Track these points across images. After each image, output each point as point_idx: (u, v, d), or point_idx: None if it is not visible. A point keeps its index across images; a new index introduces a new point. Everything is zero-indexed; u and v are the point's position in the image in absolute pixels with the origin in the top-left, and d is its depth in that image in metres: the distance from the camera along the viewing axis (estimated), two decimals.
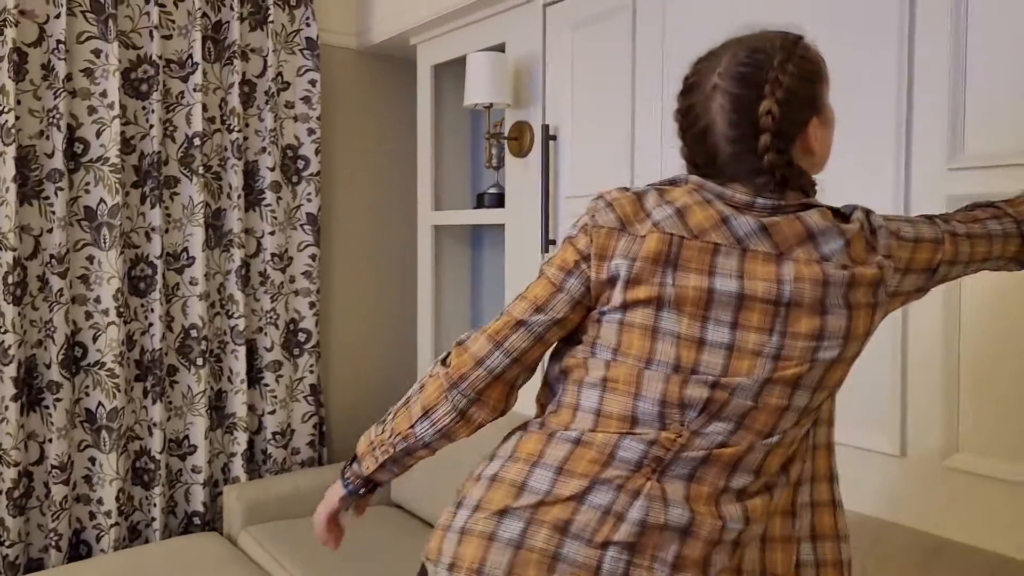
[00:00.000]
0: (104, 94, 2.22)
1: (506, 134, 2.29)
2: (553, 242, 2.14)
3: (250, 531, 2.20)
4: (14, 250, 2.08)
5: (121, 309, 2.24)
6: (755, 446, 0.87)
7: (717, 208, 0.89)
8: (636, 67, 1.88)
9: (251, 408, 2.57)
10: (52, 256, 2.17)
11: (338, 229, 2.84)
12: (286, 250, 2.60)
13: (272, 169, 2.53)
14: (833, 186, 1.48)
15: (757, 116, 0.88)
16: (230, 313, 2.50)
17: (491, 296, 2.77)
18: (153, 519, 2.35)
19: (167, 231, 2.39)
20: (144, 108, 2.32)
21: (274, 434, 2.58)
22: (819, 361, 0.86)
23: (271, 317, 2.56)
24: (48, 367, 2.18)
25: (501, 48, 2.37)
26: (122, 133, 2.25)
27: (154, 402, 2.34)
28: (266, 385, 2.58)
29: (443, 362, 0.98)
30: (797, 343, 0.86)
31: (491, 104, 2.16)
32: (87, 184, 2.24)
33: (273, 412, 2.57)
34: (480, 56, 2.14)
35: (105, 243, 2.23)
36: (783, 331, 0.86)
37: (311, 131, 2.63)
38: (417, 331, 2.75)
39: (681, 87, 0.96)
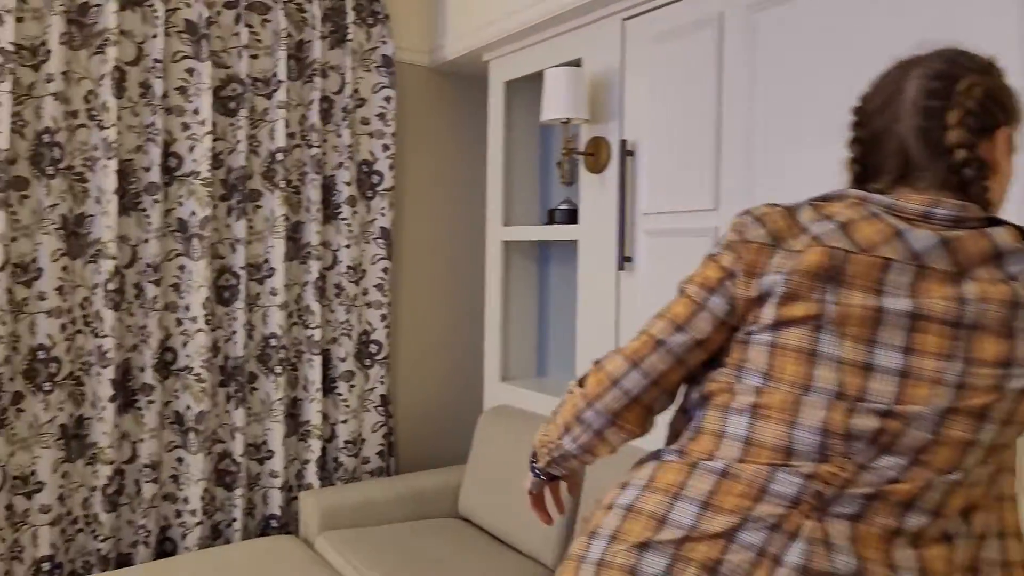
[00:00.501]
0: (197, 111, 2.33)
1: (582, 149, 2.32)
2: (628, 259, 2.16)
3: (327, 536, 2.26)
4: (115, 259, 2.19)
5: (208, 317, 2.33)
6: (933, 483, 0.78)
7: (888, 221, 0.81)
8: (723, 81, 1.90)
9: (325, 416, 2.64)
10: (148, 265, 2.28)
11: (407, 243, 2.91)
12: (360, 263, 2.68)
13: (349, 184, 2.61)
14: None
15: (951, 107, 0.82)
16: (307, 323, 2.58)
17: (558, 312, 2.80)
18: (234, 519, 2.44)
19: (250, 243, 2.48)
20: (232, 124, 2.43)
21: (346, 443, 2.64)
22: (1009, 391, 0.78)
23: (345, 328, 2.64)
24: (142, 370, 2.29)
25: (577, 63, 2.42)
26: (212, 148, 2.35)
27: (236, 407, 2.43)
28: (339, 394, 2.65)
29: (580, 382, 0.97)
30: (983, 370, 0.78)
31: (568, 119, 2.20)
32: (180, 197, 2.34)
33: (345, 421, 2.64)
34: (558, 71, 2.18)
35: (195, 253, 2.33)
36: (966, 357, 0.78)
37: (386, 147, 2.71)
38: (484, 345, 2.79)
39: (868, 88, 0.92)
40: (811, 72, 1.69)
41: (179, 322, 2.36)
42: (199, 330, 2.33)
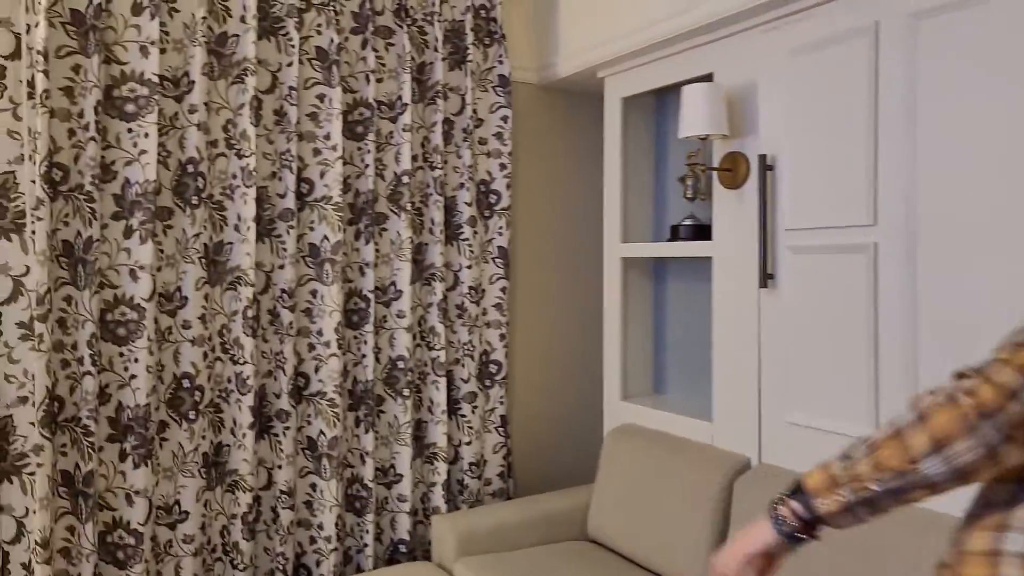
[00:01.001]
0: (328, 136, 2.34)
1: (716, 165, 2.27)
2: (771, 276, 2.10)
3: (465, 562, 2.23)
4: (253, 285, 2.20)
5: (340, 341, 2.33)
6: None
7: None
8: (880, 92, 1.83)
9: (448, 438, 2.62)
10: (283, 291, 2.28)
11: (523, 262, 2.88)
12: (480, 283, 2.65)
13: (469, 204, 2.60)
14: None
15: None
16: (431, 345, 2.56)
17: (676, 329, 2.73)
18: (365, 545, 2.42)
19: (376, 266, 2.48)
20: (359, 148, 2.43)
21: (470, 464, 2.61)
22: None
23: (467, 349, 2.62)
24: (278, 396, 2.29)
25: (708, 78, 2.37)
26: (342, 173, 2.36)
27: (366, 431, 2.42)
28: (463, 416, 2.62)
29: (951, 397, 0.85)
30: None
31: (707, 135, 2.15)
32: (312, 222, 2.35)
33: (469, 443, 2.61)
34: (696, 88, 2.13)
35: (328, 278, 2.33)
36: None
37: (503, 166, 2.69)
38: (603, 363, 2.74)
39: None
40: (980, 85, 1.61)
41: (311, 347, 2.36)
42: (332, 355, 2.33)
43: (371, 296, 2.41)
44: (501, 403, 2.70)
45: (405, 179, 2.46)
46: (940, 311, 1.71)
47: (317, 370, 2.36)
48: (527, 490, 2.89)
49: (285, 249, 2.28)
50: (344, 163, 2.40)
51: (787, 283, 2.06)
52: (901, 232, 1.79)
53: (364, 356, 2.43)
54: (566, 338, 2.98)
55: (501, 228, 2.69)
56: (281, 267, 2.29)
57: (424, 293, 2.57)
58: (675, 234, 2.53)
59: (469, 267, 2.61)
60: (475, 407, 2.62)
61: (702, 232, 2.48)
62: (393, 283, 2.50)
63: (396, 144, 2.48)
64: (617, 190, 2.69)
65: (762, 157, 2.08)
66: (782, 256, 2.08)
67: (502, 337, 2.70)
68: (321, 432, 2.35)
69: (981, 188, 1.64)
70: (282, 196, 2.29)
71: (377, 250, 2.48)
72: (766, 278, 2.09)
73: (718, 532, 2.06)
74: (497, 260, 2.69)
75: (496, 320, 2.70)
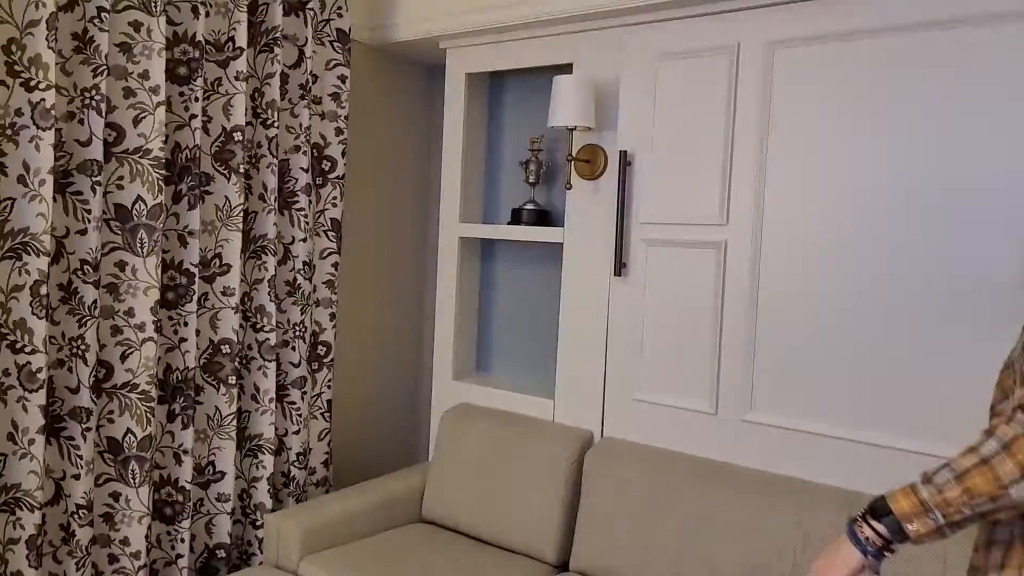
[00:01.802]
0: (145, 75, 1.92)
1: (574, 155, 2.31)
2: (624, 264, 2.21)
3: (312, 560, 2.05)
4: (48, 255, 1.75)
5: (156, 323, 1.96)
6: None
7: None
8: (737, 107, 2.01)
9: (275, 428, 2.36)
10: (83, 261, 1.85)
11: (352, 236, 2.69)
12: (312, 258, 2.41)
13: (306, 170, 2.34)
14: None
15: None
16: (258, 326, 2.28)
17: (503, 309, 2.76)
18: (179, 556, 2.10)
19: (200, 235, 2.12)
20: (183, 95, 2.04)
21: (297, 455, 2.39)
22: None
23: (299, 330, 2.37)
24: (74, 391, 1.86)
25: (568, 68, 2.39)
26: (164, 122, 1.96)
27: (184, 427, 2.08)
28: (291, 403, 2.38)
29: None
30: None
31: (576, 127, 2.18)
32: (120, 179, 1.93)
33: (297, 431, 2.39)
34: (569, 79, 2.15)
35: (142, 248, 1.94)
36: None
37: (339, 131, 2.46)
38: (435, 342, 2.68)
39: None
40: (821, 111, 1.86)
41: (117, 330, 1.96)
42: (147, 339, 1.95)
43: (194, 270, 2.07)
44: (328, 387, 2.50)
45: (237, 136, 2.13)
46: (776, 303, 1.96)
47: (124, 358, 1.96)
48: (350, 479, 2.74)
49: (89, 211, 1.85)
50: (166, 109, 2.00)
51: (640, 272, 2.19)
52: (748, 232, 2.00)
53: (184, 340, 2.08)
54: (391, 317, 2.85)
55: (335, 198, 2.47)
56: (81, 232, 1.85)
57: (253, 268, 2.27)
58: (517, 217, 2.54)
59: (304, 240, 2.36)
60: (304, 392, 2.40)
61: (543, 217, 2.53)
62: (219, 255, 2.16)
63: (226, 94, 2.13)
64: (458, 169, 2.61)
65: (623, 153, 2.17)
66: (636, 247, 2.20)
67: (332, 317, 2.49)
68: (129, 431, 1.97)
69: (817, 200, 1.90)
70: (84, 144, 1.84)
71: (201, 217, 2.12)
72: (621, 266, 2.20)
73: (569, 504, 2.15)
74: (330, 233, 2.47)
75: (327, 298, 2.48)
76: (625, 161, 2.18)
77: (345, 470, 2.76)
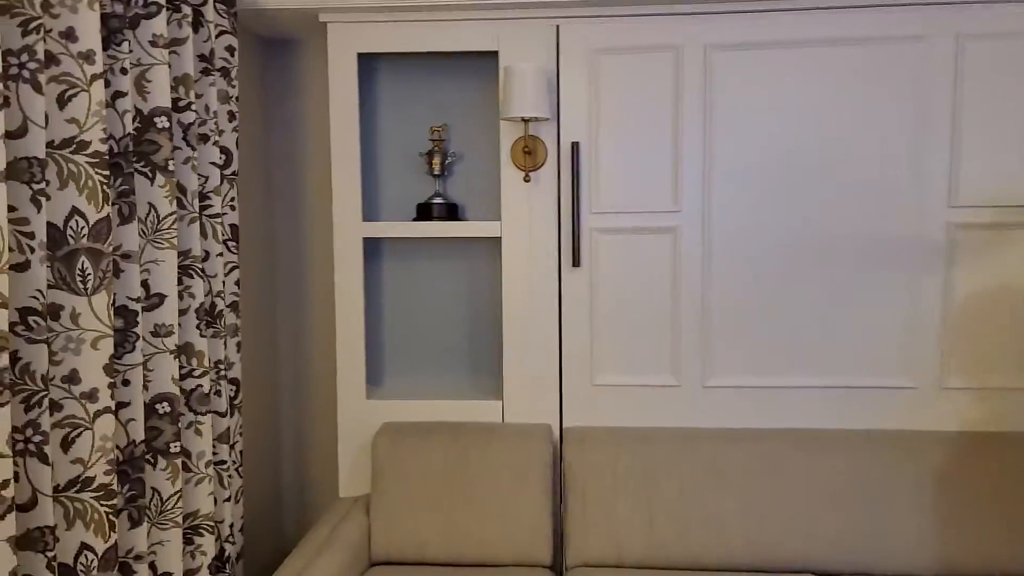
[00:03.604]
0: (70, 35, 1.31)
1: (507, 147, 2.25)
2: (577, 261, 2.23)
3: None
4: None
5: None
6: None
7: None
8: (681, 102, 2.19)
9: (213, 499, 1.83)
10: None
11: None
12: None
13: (219, 166, 1.83)
14: None
15: None
16: (186, 372, 1.74)
17: (397, 313, 2.53)
18: None
19: None
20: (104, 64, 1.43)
21: (231, 528, 1.90)
22: None
23: (222, 369, 1.87)
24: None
25: (485, 57, 2.29)
26: None
27: (134, 524, 1.51)
28: (221, 463, 1.88)
29: None
30: None
31: (533, 118, 2.13)
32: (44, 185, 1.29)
33: (230, 499, 1.90)
34: (526, 68, 2.08)
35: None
36: None
37: (232, 115, 1.97)
38: (337, 359, 2.34)
39: None
40: (754, 106, 2.19)
41: (55, 407, 1.32)
42: (100, 411, 1.36)
43: (135, 307, 1.49)
44: (240, 435, 2.03)
45: (160, 122, 1.58)
46: (725, 277, 2.24)
47: (68, 444, 1.34)
48: (259, 539, 2.26)
49: (31, 235, 1.21)
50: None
51: (594, 261, 2.26)
52: (698, 217, 2.23)
53: (125, 405, 1.49)
54: (281, 336, 2.40)
55: (233, 199, 1.99)
56: (18, 268, 1.21)
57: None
58: (425, 213, 2.37)
59: (220, 254, 1.85)
60: (232, 447, 1.91)
61: (454, 212, 2.41)
62: (145, 283, 1.59)
63: (139, 65, 1.56)
64: (356, 162, 2.30)
65: (575, 144, 2.20)
66: (588, 237, 2.26)
67: (238, 347, 2.02)
68: (85, 548, 1.36)
69: (752, 180, 2.21)
70: (15, 135, 1.20)
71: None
72: (577, 260, 2.23)
73: (551, 500, 2.14)
74: (230, 243, 1.98)
75: (233, 324, 1.99)
76: (575, 152, 2.21)
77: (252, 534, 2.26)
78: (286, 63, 2.50)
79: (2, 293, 1.11)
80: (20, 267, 1.21)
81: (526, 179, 2.20)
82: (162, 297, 1.60)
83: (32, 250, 1.21)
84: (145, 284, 1.59)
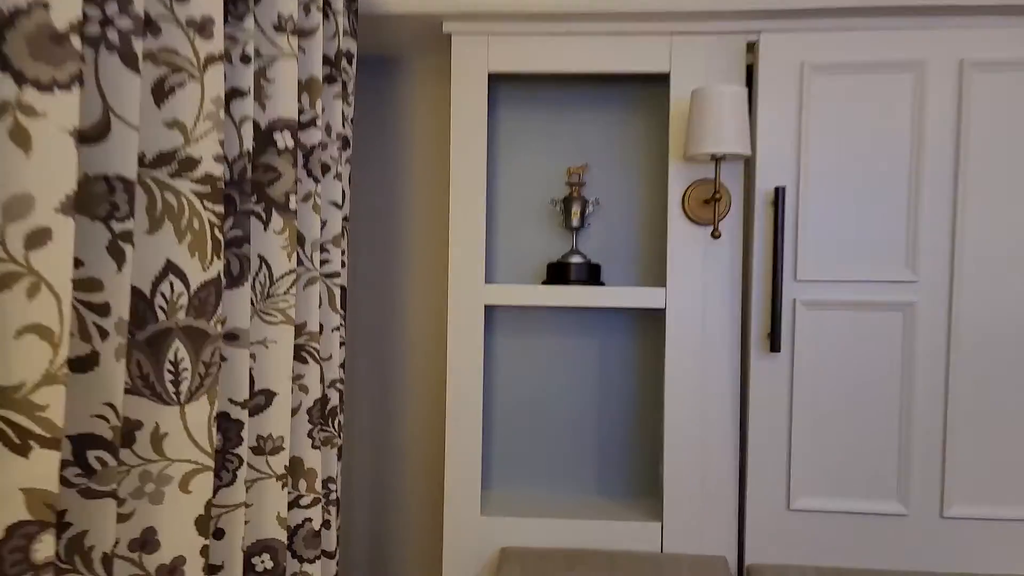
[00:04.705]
0: None
1: (681, 192, 1.75)
2: (777, 345, 1.70)
3: None
4: None
5: None
6: None
7: None
8: (924, 135, 1.70)
9: None
10: None
11: None
12: None
13: (339, 207, 1.33)
14: None
15: None
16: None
17: (507, 398, 2.01)
18: None
19: None
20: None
21: None
22: None
23: None
24: None
25: (664, 78, 1.82)
26: None
27: None
28: None
29: None
30: None
31: (725, 155, 1.63)
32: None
33: None
34: (729, 91, 1.60)
35: None
36: None
37: (346, 142, 1.49)
38: (446, 462, 1.80)
39: None
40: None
41: None
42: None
43: (240, 414, 0.97)
44: None
45: (282, 140, 1.09)
46: (974, 376, 1.69)
47: None
48: None
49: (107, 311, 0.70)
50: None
51: (794, 345, 1.73)
52: (942, 290, 1.70)
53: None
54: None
55: (344, 252, 1.48)
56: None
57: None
58: (561, 275, 1.86)
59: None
60: None
61: (594, 274, 1.89)
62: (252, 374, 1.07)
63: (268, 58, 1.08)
64: (480, 210, 1.80)
65: (779, 190, 1.69)
66: (788, 312, 1.74)
67: None
68: None
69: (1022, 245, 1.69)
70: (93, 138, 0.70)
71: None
72: (779, 342, 1.70)
73: None
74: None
75: None
76: (781, 201, 1.70)
77: None
78: (380, 85, 2.03)
79: (54, 423, 0.59)
80: (82, 364, 0.69)
81: (714, 234, 1.68)
82: (270, 396, 1.08)
83: (104, 334, 0.70)
84: (249, 376, 1.07)
